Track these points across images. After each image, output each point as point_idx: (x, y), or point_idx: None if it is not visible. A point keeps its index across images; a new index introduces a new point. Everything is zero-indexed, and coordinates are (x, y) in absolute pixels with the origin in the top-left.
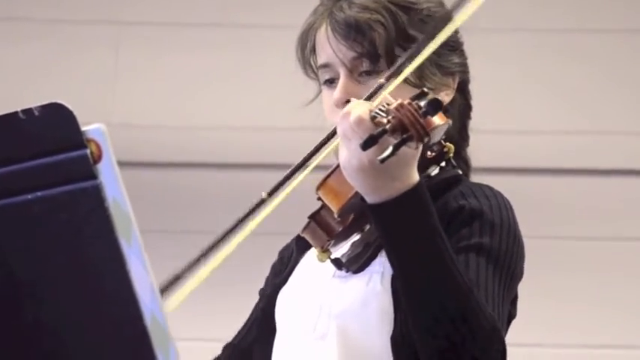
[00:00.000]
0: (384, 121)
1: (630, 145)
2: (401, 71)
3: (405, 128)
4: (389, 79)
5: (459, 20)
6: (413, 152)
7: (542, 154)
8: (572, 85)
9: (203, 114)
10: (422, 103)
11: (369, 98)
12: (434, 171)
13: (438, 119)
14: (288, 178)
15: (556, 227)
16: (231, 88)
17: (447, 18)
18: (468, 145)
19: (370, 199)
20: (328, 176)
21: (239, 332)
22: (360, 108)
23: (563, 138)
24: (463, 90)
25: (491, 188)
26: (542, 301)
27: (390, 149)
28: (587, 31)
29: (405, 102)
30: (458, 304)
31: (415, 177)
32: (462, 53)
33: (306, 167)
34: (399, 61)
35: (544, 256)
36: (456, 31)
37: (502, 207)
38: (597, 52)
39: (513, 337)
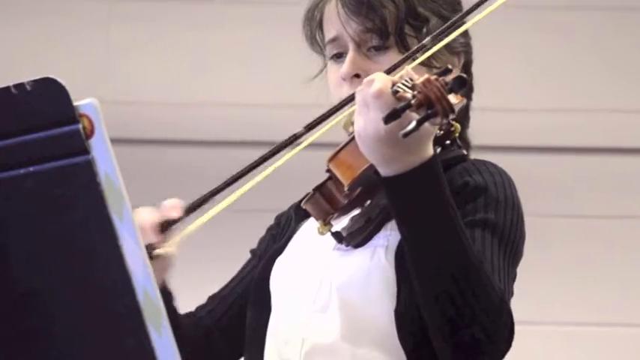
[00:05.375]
0: (409, 95)
1: (624, 122)
2: (426, 49)
3: (432, 104)
4: (412, 55)
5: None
6: (432, 128)
7: (534, 133)
8: (559, 63)
9: (196, 90)
10: (448, 80)
11: (388, 72)
12: (437, 149)
13: (458, 97)
14: (312, 127)
15: (544, 205)
16: (225, 64)
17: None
18: (468, 126)
19: (384, 171)
20: (341, 149)
21: (227, 285)
22: (382, 79)
23: (551, 116)
24: (467, 70)
25: (495, 165)
26: (538, 279)
27: (413, 124)
28: (575, 8)
29: (432, 77)
30: (469, 277)
31: (430, 151)
32: (466, 33)
33: (319, 129)
34: (426, 39)
35: (537, 234)
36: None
37: (506, 184)
38: (585, 30)
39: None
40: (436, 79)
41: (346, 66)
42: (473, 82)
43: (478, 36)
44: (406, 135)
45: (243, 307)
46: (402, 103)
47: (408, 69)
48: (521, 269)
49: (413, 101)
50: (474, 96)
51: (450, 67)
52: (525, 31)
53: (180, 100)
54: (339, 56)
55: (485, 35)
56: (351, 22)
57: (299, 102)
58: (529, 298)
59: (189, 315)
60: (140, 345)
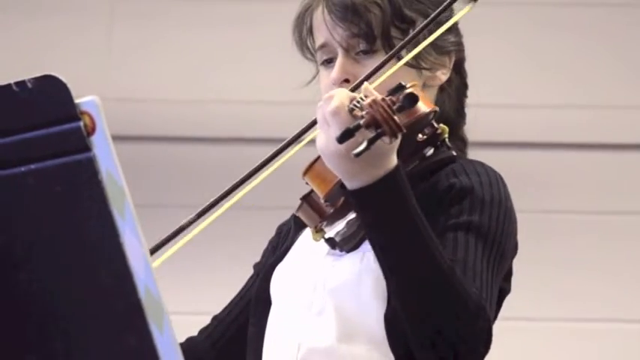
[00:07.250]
0: (360, 114)
1: (625, 119)
2: (399, 56)
3: (378, 124)
4: (384, 63)
5: (458, 15)
6: (389, 145)
7: (536, 129)
8: (565, 59)
9: (199, 88)
10: (398, 98)
11: (363, 81)
12: (428, 152)
13: (422, 107)
14: (274, 156)
15: (550, 201)
16: (228, 61)
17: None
18: (464, 123)
19: (349, 184)
20: (314, 162)
21: (229, 304)
22: (340, 97)
23: (557, 112)
24: (459, 69)
25: (483, 165)
26: (538, 276)
27: (364, 144)
28: (582, 4)
29: (379, 98)
30: (440, 285)
31: (392, 162)
32: (457, 32)
33: (287, 152)
34: (397, 46)
35: (538, 230)
36: (451, 10)
37: (493, 183)
38: (592, 26)
39: (509, 310)
40: (383, 100)
41: (335, 71)
42: (467, 79)
43: (486, 33)
44: (357, 155)
45: (242, 327)
46: (354, 123)
47: (366, 85)
48: (523, 266)
49: (361, 122)
50: (473, 91)
51: (403, 83)
52: (532, 27)
53: (183, 97)
54: (329, 62)
55: (494, 32)
56: (338, 28)
57: (303, 99)
58: (528, 294)
59: (188, 340)
60: (142, 342)
